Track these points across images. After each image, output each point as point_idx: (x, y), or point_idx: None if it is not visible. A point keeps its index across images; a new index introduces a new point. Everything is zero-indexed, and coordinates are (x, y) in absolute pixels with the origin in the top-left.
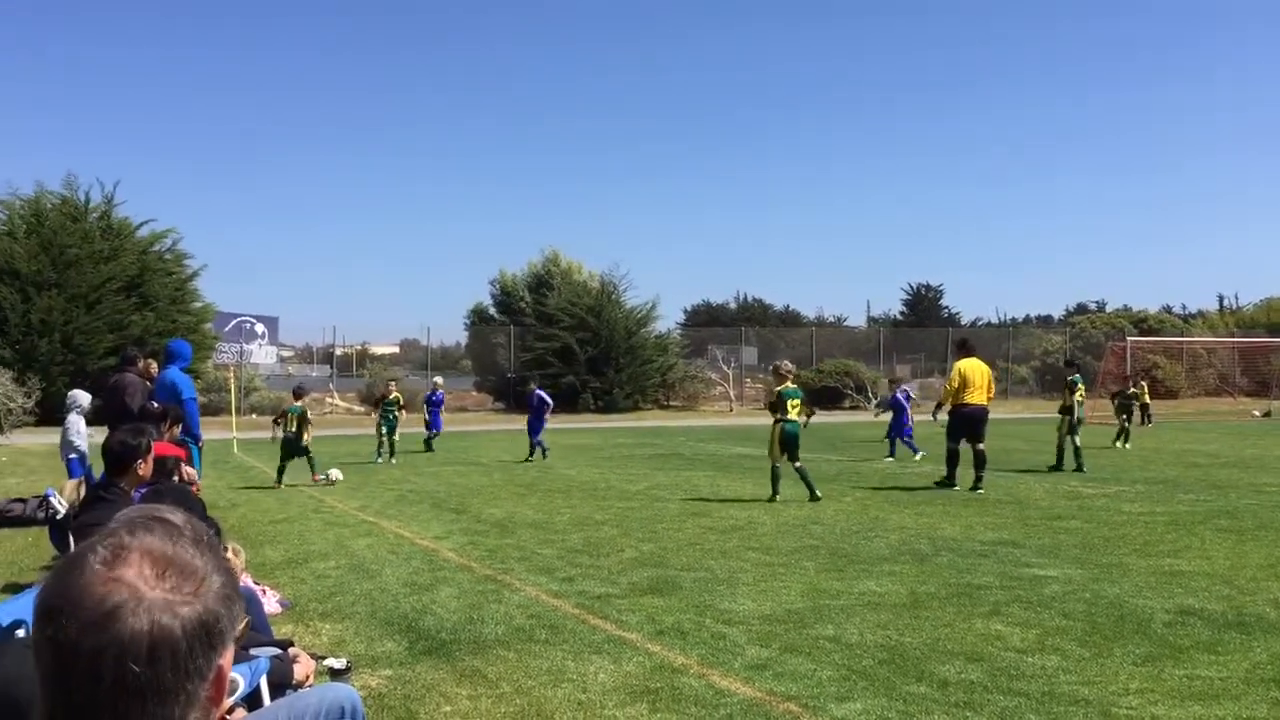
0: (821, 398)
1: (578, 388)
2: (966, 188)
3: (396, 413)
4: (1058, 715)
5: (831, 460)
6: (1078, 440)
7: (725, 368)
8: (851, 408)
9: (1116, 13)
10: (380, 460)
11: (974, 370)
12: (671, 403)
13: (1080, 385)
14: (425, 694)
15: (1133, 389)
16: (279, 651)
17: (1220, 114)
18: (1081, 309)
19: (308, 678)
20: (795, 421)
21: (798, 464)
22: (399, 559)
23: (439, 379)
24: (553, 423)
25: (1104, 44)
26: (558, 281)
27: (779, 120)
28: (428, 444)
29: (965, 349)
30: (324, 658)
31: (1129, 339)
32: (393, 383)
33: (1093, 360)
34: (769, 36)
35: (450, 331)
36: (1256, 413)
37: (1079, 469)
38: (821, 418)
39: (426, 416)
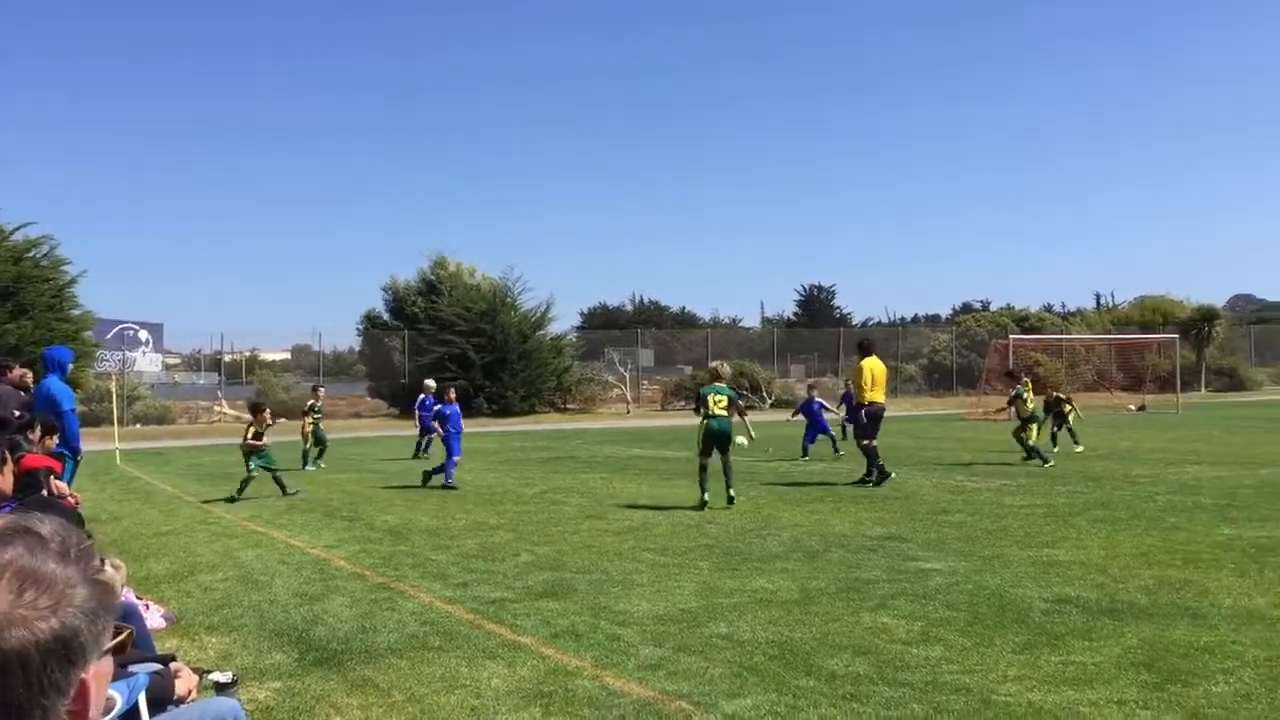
0: None
1: (472, 392)
2: (858, 189)
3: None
4: (940, 704)
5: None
6: (1028, 436)
7: (622, 370)
8: (747, 407)
9: (986, 12)
10: (311, 467)
11: (879, 369)
12: (568, 406)
13: (1026, 394)
14: (315, 705)
15: (1057, 394)
16: (159, 667)
17: (1078, 118)
18: (967, 308)
19: (190, 693)
20: (720, 417)
21: (727, 460)
22: (289, 569)
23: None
24: None
25: (973, 45)
26: (446, 286)
27: (671, 122)
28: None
29: (865, 349)
30: (209, 671)
31: (1011, 337)
32: (320, 389)
33: (977, 358)
34: (653, 37)
35: (343, 337)
36: (1132, 407)
37: (1045, 460)
38: None
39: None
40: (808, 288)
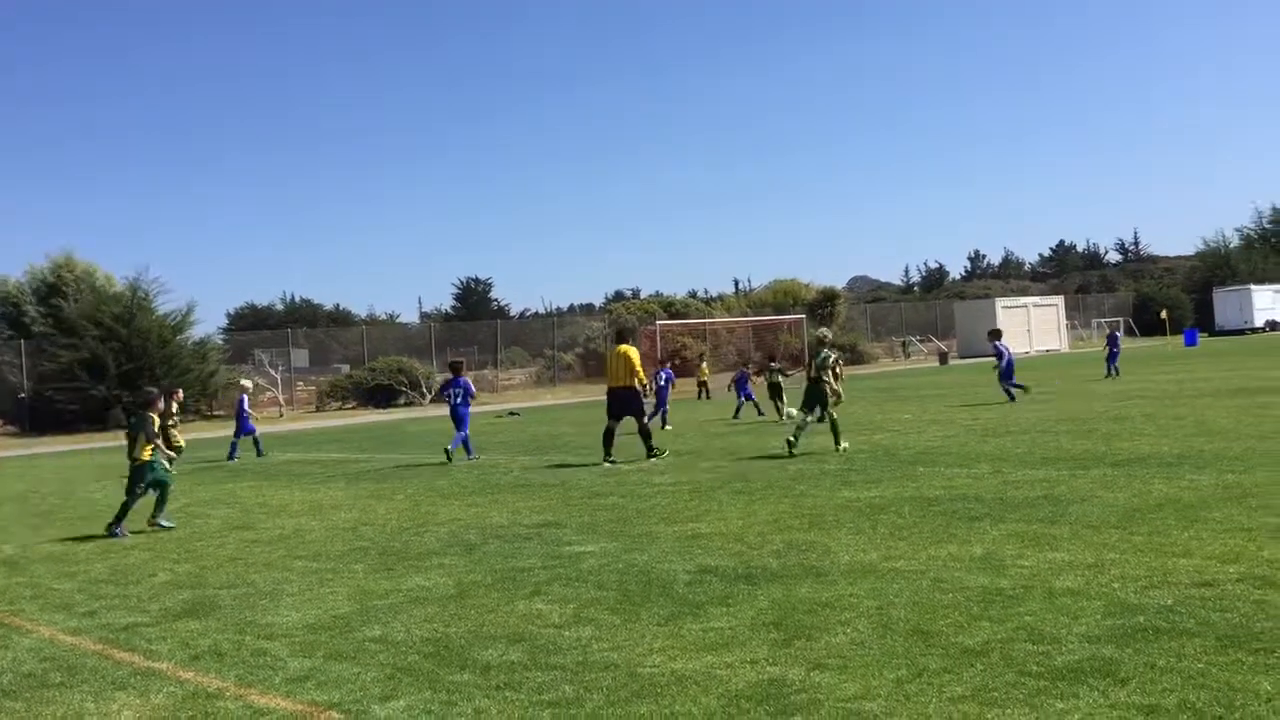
0: (376, 395)
1: (109, 402)
2: (510, 185)
3: None
4: (590, 683)
5: (382, 459)
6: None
7: (273, 371)
8: (406, 404)
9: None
10: None
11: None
12: (215, 412)
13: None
14: None
15: (775, 366)
16: None
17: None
18: (619, 296)
19: None
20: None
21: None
22: None
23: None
24: (79, 443)
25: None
26: (72, 288)
27: (321, 117)
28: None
29: (624, 337)
30: None
31: (659, 323)
32: None
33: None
34: (289, 31)
35: None
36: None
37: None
38: (376, 415)
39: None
40: (465, 281)
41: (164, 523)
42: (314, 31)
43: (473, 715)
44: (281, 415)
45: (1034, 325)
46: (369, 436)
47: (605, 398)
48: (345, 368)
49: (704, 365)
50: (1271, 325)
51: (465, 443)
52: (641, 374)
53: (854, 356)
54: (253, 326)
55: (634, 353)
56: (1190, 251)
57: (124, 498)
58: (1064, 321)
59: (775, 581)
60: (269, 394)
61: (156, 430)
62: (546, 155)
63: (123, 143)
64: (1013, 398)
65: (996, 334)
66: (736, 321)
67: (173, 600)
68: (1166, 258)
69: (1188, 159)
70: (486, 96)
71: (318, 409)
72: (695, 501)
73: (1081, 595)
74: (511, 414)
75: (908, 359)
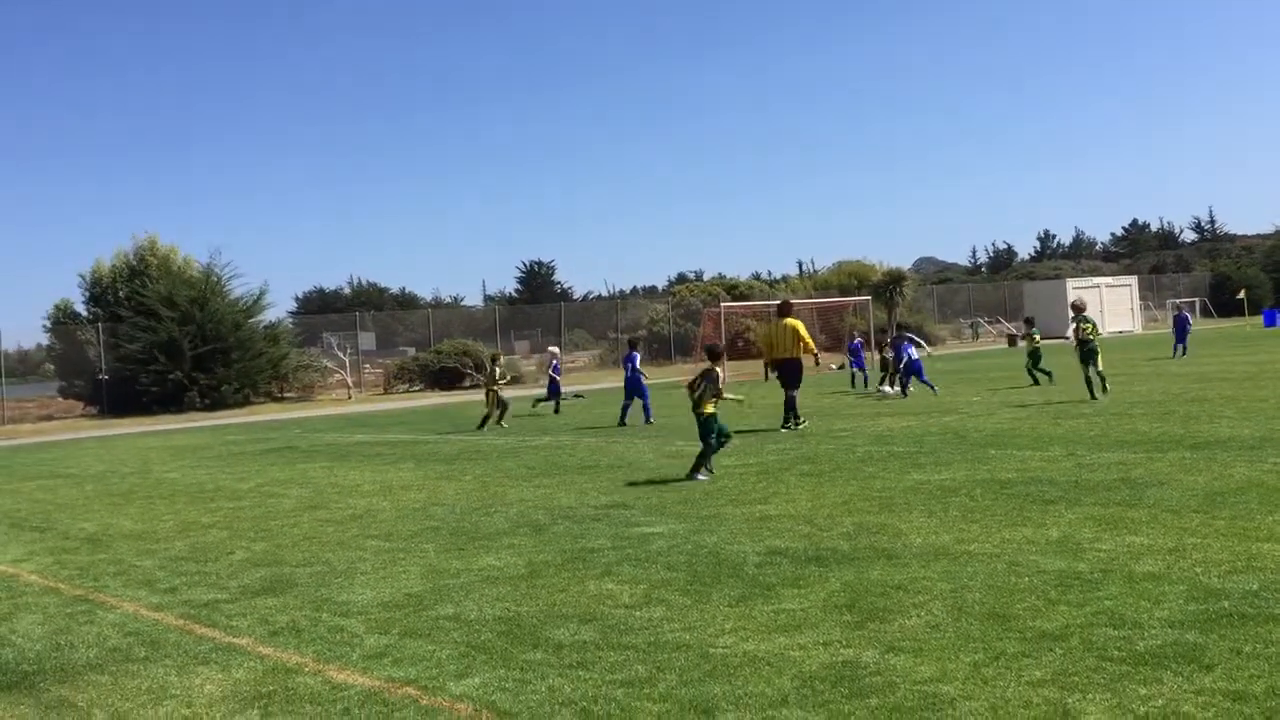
0: (441, 378)
1: (185, 384)
2: (567, 165)
3: None
4: (662, 663)
5: (453, 440)
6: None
7: (341, 355)
8: (471, 386)
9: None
10: None
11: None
12: (286, 394)
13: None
14: None
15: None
16: None
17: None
18: (682, 279)
19: None
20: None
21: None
22: None
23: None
24: (155, 424)
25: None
26: (155, 270)
27: (385, 102)
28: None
29: (786, 311)
30: None
31: (722, 305)
32: None
33: (693, 326)
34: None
35: (27, 334)
36: (834, 366)
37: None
38: (441, 398)
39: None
40: (528, 264)
41: (700, 476)
42: (376, 5)
43: (546, 693)
44: (350, 397)
45: (1106, 306)
46: (436, 418)
47: (773, 370)
48: (411, 350)
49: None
50: None
51: (645, 408)
52: (811, 344)
53: (921, 337)
54: (320, 310)
55: (801, 326)
56: (1269, 230)
57: (700, 446)
58: (1138, 302)
59: (846, 563)
60: (338, 376)
61: (721, 385)
62: (609, 136)
63: (200, 126)
64: (905, 394)
65: (900, 337)
66: (801, 303)
67: (251, 578)
68: (1245, 236)
69: (1266, 134)
70: (551, 76)
71: (385, 391)
72: (763, 483)
73: (1163, 580)
74: (577, 396)
75: (976, 340)
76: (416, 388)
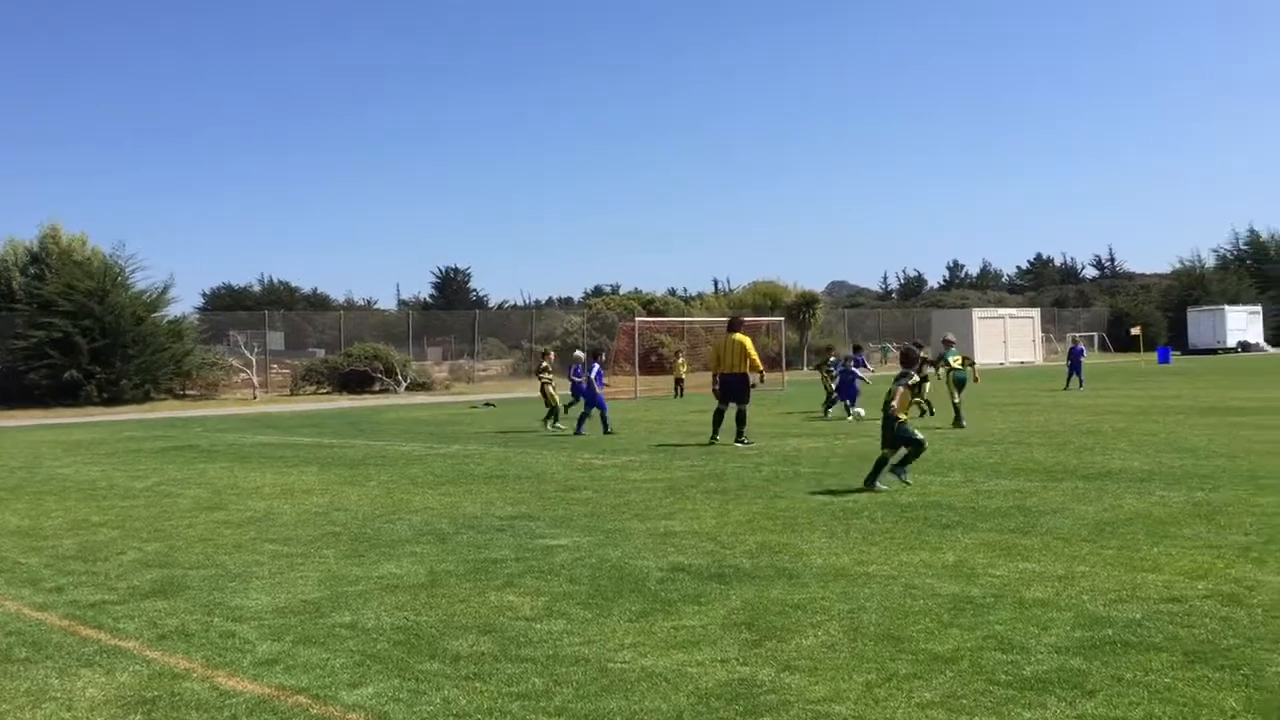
0: (350, 381)
1: (81, 379)
2: (493, 175)
3: None
4: (559, 676)
5: (358, 445)
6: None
7: (248, 353)
8: (381, 391)
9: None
10: None
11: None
12: (188, 392)
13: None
14: None
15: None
16: None
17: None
18: (599, 291)
19: None
20: (960, 370)
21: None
22: None
23: (580, 353)
24: (49, 418)
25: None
26: (55, 261)
27: (305, 100)
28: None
29: (737, 326)
30: None
31: (637, 319)
32: None
33: (607, 339)
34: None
35: None
36: (757, 381)
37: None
38: (350, 401)
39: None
40: (444, 270)
41: (906, 479)
42: (292, 9)
43: (441, 704)
44: (255, 397)
45: (1010, 337)
46: (343, 422)
47: (717, 384)
48: (320, 352)
49: (681, 363)
50: (1243, 346)
51: (593, 416)
52: (758, 361)
53: (836, 361)
54: (229, 307)
55: (749, 342)
56: (1166, 270)
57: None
58: (1039, 334)
59: (747, 582)
60: (243, 375)
61: (912, 385)
62: (529, 147)
63: (114, 118)
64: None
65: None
66: (715, 320)
67: (141, 579)
68: (1143, 275)
69: (1166, 177)
70: (471, 80)
71: (292, 392)
72: (670, 499)
73: (1051, 606)
74: (487, 404)
75: (885, 363)
76: (325, 390)
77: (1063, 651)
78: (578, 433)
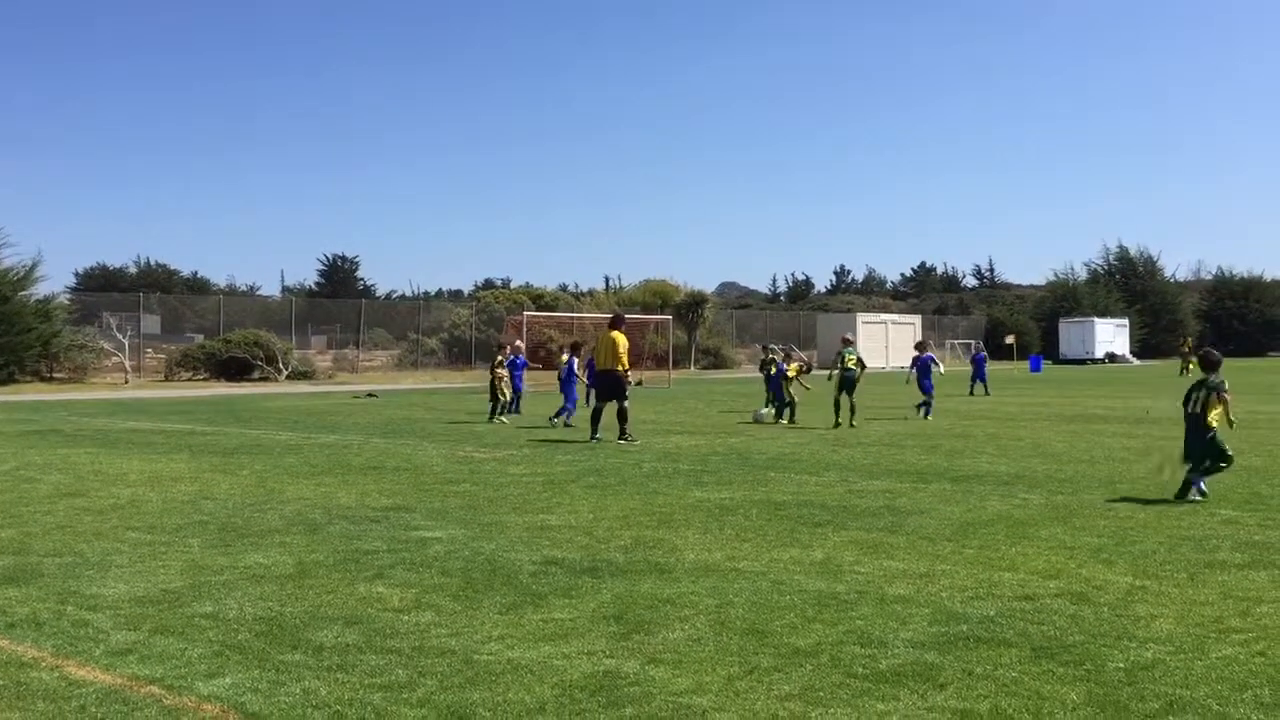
0: (229, 368)
1: None
2: (385, 163)
3: None
4: (424, 668)
5: (230, 433)
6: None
7: (120, 337)
8: (261, 379)
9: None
10: None
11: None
12: (56, 375)
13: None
14: None
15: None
16: None
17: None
18: (489, 284)
19: None
20: (850, 369)
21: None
22: None
23: (520, 343)
24: None
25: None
26: None
27: (191, 76)
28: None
29: (615, 324)
30: None
31: (526, 314)
32: None
33: (495, 332)
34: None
35: None
36: (631, 380)
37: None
38: (228, 388)
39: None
40: (331, 258)
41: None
42: None
43: (301, 695)
44: (127, 381)
45: (892, 341)
46: (219, 409)
47: (592, 380)
48: (199, 337)
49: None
50: (1111, 357)
51: (566, 409)
52: (624, 361)
53: (718, 361)
54: (102, 288)
55: (623, 340)
56: (1041, 281)
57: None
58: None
59: (619, 576)
60: (115, 359)
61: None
62: (421, 137)
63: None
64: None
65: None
66: (604, 317)
67: None
68: (1019, 286)
69: (1041, 192)
70: (370, 65)
71: (166, 378)
72: (548, 493)
73: (911, 602)
74: (370, 395)
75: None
76: (201, 376)
77: (918, 646)
78: (553, 421)
